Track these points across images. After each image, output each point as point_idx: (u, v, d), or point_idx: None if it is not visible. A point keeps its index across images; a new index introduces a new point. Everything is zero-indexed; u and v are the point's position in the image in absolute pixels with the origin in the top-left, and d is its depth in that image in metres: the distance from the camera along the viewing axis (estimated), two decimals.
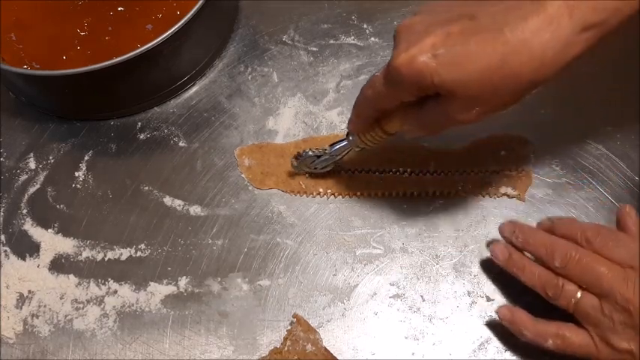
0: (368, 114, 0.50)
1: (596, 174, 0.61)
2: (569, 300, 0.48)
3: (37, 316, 0.58)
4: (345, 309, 0.57)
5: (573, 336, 0.47)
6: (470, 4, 0.43)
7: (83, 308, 0.58)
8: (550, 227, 0.52)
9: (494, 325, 0.55)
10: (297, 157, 0.60)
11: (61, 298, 0.59)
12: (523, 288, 0.52)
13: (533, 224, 0.58)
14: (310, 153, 0.59)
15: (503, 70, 0.41)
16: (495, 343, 0.55)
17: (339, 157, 0.59)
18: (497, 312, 0.52)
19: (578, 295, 0.47)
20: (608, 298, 0.45)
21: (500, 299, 0.56)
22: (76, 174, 0.64)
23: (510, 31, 0.40)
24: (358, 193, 0.61)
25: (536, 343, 0.50)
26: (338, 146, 0.57)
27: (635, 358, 0.45)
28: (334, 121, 0.65)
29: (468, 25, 0.41)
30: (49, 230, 0.62)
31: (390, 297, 0.57)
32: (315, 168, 0.60)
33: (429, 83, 0.42)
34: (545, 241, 0.50)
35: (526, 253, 0.52)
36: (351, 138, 0.56)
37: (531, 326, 0.50)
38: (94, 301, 0.59)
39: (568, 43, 0.41)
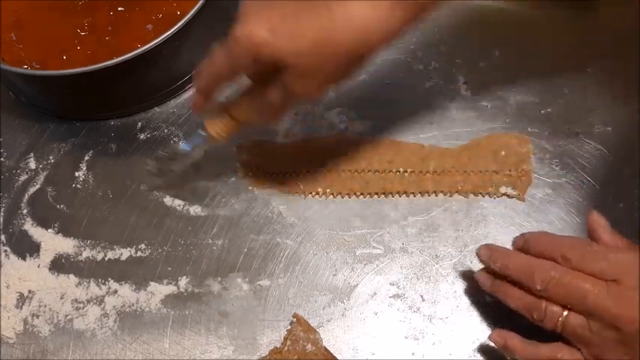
0: (209, 87, 0.52)
1: (596, 174, 0.61)
2: (555, 321, 0.46)
3: (38, 316, 0.58)
4: (345, 309, 0.57)
5: (566, 356, 0.46)
6: None
7: (83, 308, 0.58)
8: (524, 245, 0.51)
9: (494, 325, 0.55)
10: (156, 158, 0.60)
11: (61, 298, 0.59)
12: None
13: (534, 224, 0.58)
14: (162, 154, 0.58)
15: (329, 42, 0.45)
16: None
17: (197, 156, 0.58)
18: (489, 337, 0.52)
19: (564, 314, 0.46)
20: (594, 316, 0.44)
21: (499, 299, 0.56)
22: (76, 174, 0.64)
23: (336, 7, 0.45)
24: (358, 193, 0.61)
25: None
26: (191, 144, 0.57)
27: None
28: (334, 121, 0.65)
29: (302, 3, 0.45)
30: (50, 230, 0.62)
31: (390, 297, 0.57)
32: (172, 170, 0.60)
33: (266, 55, 0.46)
34: (523, 264, 0.49)
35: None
36: (201, 132, 0.55)
37: (522, 350, 0.49)
38: (94, 301, 0.59)
39: (388, 18, 0.45)
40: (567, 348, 0.47)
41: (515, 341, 0.49)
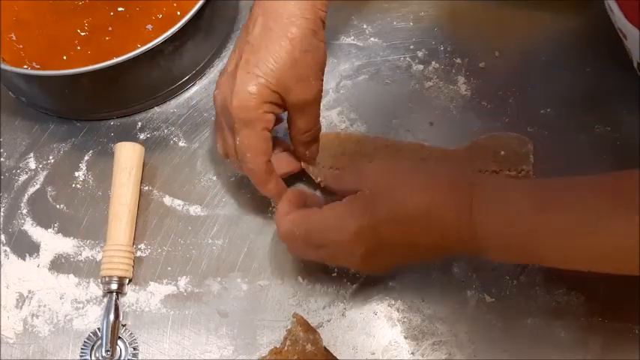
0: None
1: (595, 174, 0.60)
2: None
3: (37, 316, 0.58)
4: (345, 309, 0.57)
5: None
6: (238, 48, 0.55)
7: (83, 308, 0.58)
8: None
9: (494, 325, 0.55)
10: None
11: (60, 298, 0.59)
12: (522, 286, 0.52)
13: None
14: None
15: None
16: (495, 343, 0.55)
17: None
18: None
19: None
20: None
21: (500, 299, 0.56)
22: (76, 174, 0.64)
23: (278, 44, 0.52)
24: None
25: None
26: None
27: None
28: (334, 121, 0.65)
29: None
30: (49, 230, 0.62)
31: (390, 297, 0.57)
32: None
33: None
34: None
35: None
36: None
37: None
38: (94, 301, 0.59)
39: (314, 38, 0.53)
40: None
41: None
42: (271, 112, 0.53)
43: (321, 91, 0.55)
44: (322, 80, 0.55)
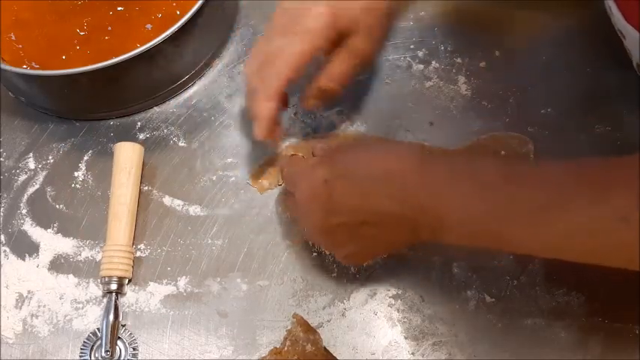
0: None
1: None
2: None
3: (37, 316, 0.58)
4: (345, 309, 0.57)
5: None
6: None
7: (83, 308, 0.58)
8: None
9: (494, 325, 0.55)
10: None
11: (60, 298, 0.59)
12: (522, 286, 0.52)
13: None
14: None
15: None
16: (495, 343, 0.55)
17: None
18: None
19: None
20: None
21: (500, 299, 0.56)
22: (76, 174, 0.64)
23: None
24: None
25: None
26: None
27: None
28: (334, 120, 0.65)
29: None
30: (49, 230, 0.62)
31: (390, 297, 0.57)
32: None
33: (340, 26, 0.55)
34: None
35: None
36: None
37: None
38: (94, 301, 0.59)
39: None
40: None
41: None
42: (323, 42, 0.55)
43: (375, 55, 0.59)
44: (382, 46, 0.60)
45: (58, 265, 0.60)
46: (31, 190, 0.64)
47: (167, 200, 0.62)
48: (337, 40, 0.56)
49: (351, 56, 0.57)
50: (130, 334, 0.57)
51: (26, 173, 0.65)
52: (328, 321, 0.57)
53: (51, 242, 0.61)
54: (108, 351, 0.55)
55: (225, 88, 0.68)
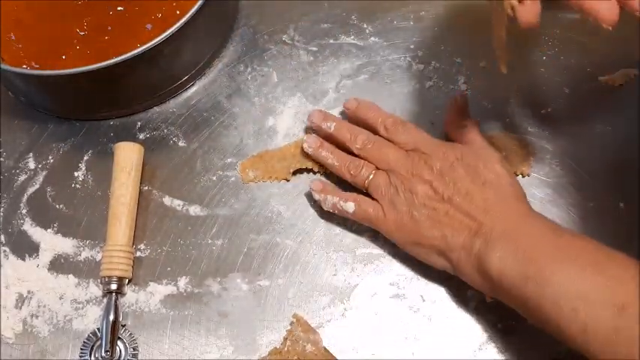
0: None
1: (596, 174, 0.61)
2: (366, 178, 0.58)
3: (37, 317, 0.58)
4: (345, 309, 0.57)
5: (367, 203, 0.57)
6: None
7: (83, 308, 0.58)
8: (355, 110, 0.62)
9: (494, 325, 0.55)
10: None
11: (60, 298, 0.59)
12: None
13: None
14: None
15: None
16: (495, 344, 0.55)
17: None
18: (310, 186, 0.59)
19: (373, 173, 0.58)
20: (393, 172, 0.57)
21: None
22: (76, 174, 0.64)
23: None
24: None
25: (340, 211, 0.58)
26: None
27: (410, 216, 0.55)
28: None
29: None
30: (49, 230, 0.62)
31: (390, 297, 0.57)
32: None
33: None
34: (350, 129, 0.60)
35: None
36: None
37: (335, 191, 0.59)
38: (94, 301, 0.59)
39: None
40: (369, 199, 0.58)
41: (330, 187, 0.60)
42: None
43: None
44: None
45: (58, 265, 0.60)
46: (31, 190, 0.64)
47: (167, 200, 0.62)
48: None
49: None
50: (130, 334, 0.57)
51: (26, 173, 0.65)
52: (328, 321, 0.57)
53: (51, 242, 0.61)
54: (108, 351, 0.55)
55: (225, 88, 0.68)
